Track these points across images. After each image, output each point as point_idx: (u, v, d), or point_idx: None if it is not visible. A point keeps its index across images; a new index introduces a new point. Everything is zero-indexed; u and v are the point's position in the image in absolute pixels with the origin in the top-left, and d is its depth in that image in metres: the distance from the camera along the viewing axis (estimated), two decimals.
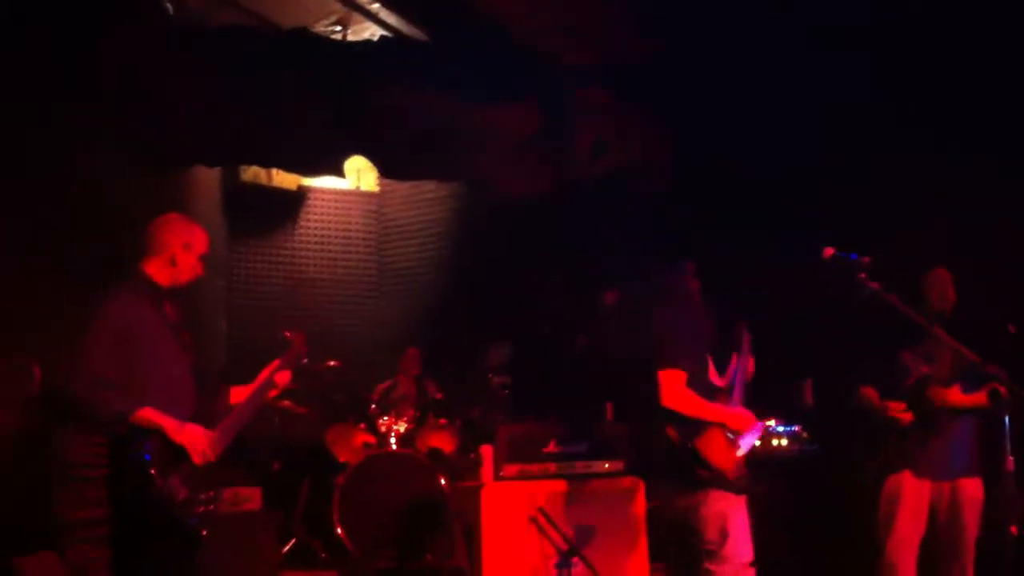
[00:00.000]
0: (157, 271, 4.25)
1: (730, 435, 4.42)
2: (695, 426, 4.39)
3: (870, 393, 5.02)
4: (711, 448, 4.37)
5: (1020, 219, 5.61)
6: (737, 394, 4.54)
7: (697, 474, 4.36)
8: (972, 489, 4.88)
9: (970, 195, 5.81)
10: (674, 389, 4.38)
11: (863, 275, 4.24)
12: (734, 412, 4.48)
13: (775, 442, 6.31)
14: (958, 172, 5.88)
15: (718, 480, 4.36)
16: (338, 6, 7.39)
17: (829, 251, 4.25)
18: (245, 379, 4.56)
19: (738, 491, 4.38)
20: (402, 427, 6.64)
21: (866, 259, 4.27)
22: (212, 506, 4.16)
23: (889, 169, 6.27)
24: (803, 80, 6.42)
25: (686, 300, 4.60)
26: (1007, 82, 5.77)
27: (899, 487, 4.85)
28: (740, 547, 4.35)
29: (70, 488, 5.05)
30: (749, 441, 4.50)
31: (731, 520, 4.34)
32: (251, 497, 4.96)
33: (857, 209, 6.05)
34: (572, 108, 7.09)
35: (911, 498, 4.84)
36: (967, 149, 5.88)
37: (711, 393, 4.46)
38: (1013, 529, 4.03)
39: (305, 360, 4.56)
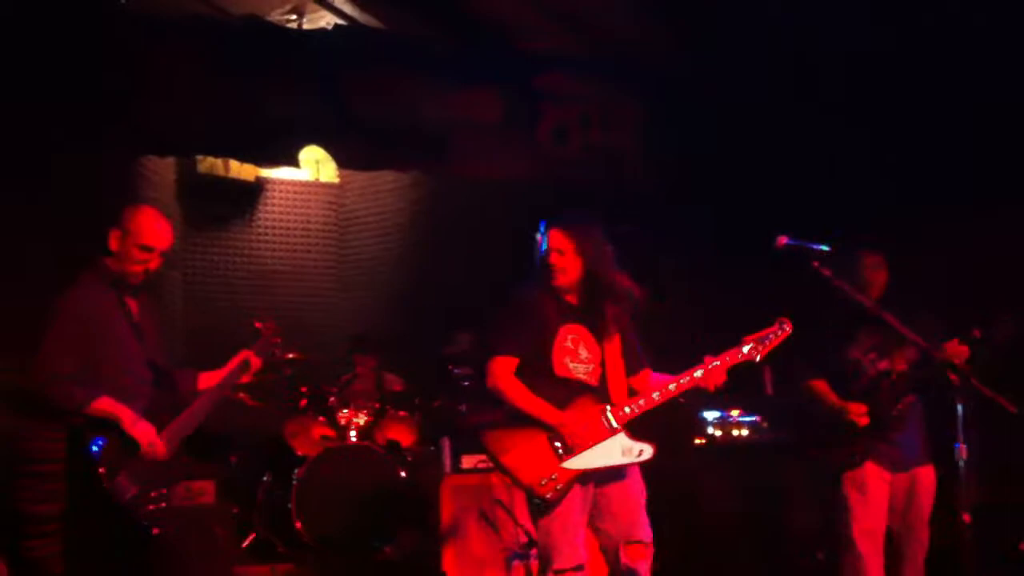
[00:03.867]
0: (118, 264, 4.25)
1: (557, 444, 4.05)
2: (509, 420, 4.12)
3: (822, 387, 5.00)
4: (502, 444, 4.09)
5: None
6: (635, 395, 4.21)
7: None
8: (927, 477, 4.93)
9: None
10: (500, 375, 4.11)
11: (816, 263, 4.26)
12: (565, 417, 4.05)
13: (735, 432, 6.34)
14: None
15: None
16: None
17: (783, 240, 4.25)
18: (204, 370, 4.54)
19: (529, 496, 4.07)
20: (361, 420, 6.61)
21: (821, 247, 4.28)
22: (164, 503, 4.13)
23: (852, 166, 6.32)
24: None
25: (520, 294, 4.25)
26: None
27: (863, 478, 4.87)
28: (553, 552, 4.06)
29: (29, 481, 5.04)
30: (600, 454, 4.07)
31: (547, 526, 4.06)
32: (204, 491, 4.89)
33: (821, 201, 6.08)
34: (537, 94, 7.04)
35: (874, 488, 4.86)
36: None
37: (553, 382, 4.13)
38: (966, 517, 4.05)
39: (278, 350, 4.53)
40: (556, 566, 4.03)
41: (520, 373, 4.13)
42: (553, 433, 4.04)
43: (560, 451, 4.03)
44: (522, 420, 4.07)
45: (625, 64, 7.09)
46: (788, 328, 4.28)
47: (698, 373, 4.16)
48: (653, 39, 6.84)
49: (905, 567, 4.94)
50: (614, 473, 4.14)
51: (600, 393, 4.16)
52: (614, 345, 4.23)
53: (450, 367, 6.74)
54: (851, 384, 4.94)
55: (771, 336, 4.25)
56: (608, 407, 4.11)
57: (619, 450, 4.08)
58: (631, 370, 4.27)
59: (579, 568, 4.05)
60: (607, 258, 4.18)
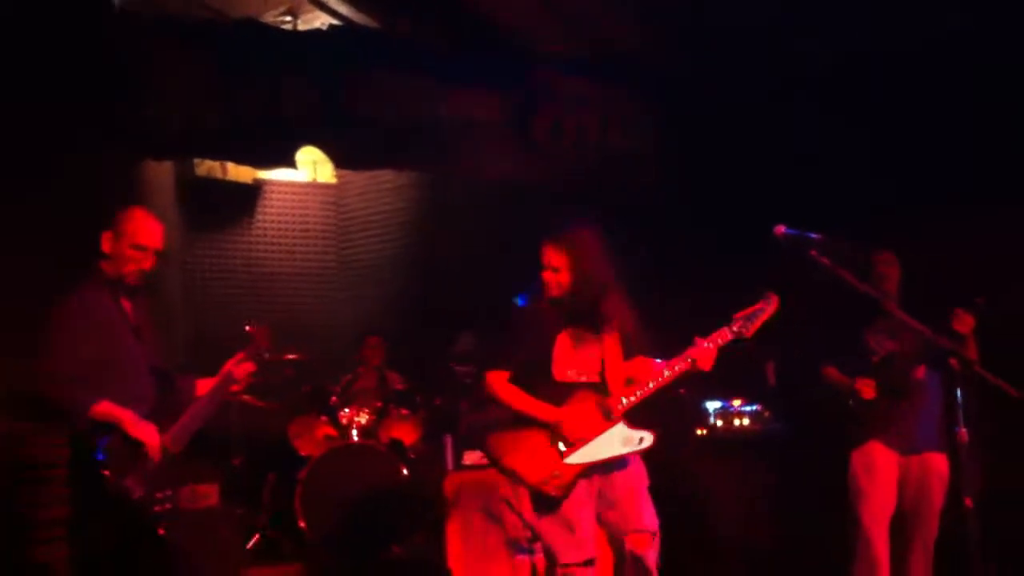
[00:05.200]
0: (115, 268, 4.26)
1: (558, 441, 4.11)
2: (509, 423, 4.22)
3: (832, 372, 5.07)
4: (504, 446, 4.19)
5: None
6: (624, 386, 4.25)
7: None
8: (938, 463, 4.94)
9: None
10: (494, 387, 4.24)
11: (814, 252, 4.27)
12: (562, 412, 4.13)
13: (737, 422, 6.34)
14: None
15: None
16: None
17: (780, 229, 4.26)
18: (205, 374, 4.54)
19: (535, 495, 4.14)
20: (364, 419, 6.61)
21: (817, 236, 4.29)
22: (169, 504, 4.14)
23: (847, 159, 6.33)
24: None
25: (537, 302, 4.35)
26: None
27: (870, 459, 4.90)
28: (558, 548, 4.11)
29: (31, 487, 5.04)
30: (601, 446, 4.12)
31: (553, 522, 4.11)
32: (209, 493, 4.93)
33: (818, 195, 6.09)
34: (539, 93, 7.04)
35: (882, 469, 4.88)
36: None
37: (554, 389, 4.19)
38: (968, 501, 4.07)
39: (267, 354, 4.54)
40: (563, 560, 4.06)
41: (520, 381, 4.21)
42: (552, 430, 4.09)
43: (561, 447, 4.08)
44: (522, 422, 4.14)
45: (624, 64, 7.08)
46: (774, 301, 4.30)
47: (690, 355, 4.18)
48: (653, 39, 6.83)
49: (913, 552, 4.96)
50: (616, 464, 4.16)
51: (600, 389, 4.20)
52: (612, 339, 4.28)
53: (452, 365, 6.75)
54: (861, 365, 4.97)
55: (759, 312, 4.27)
56: (605, 399, 4.15)
57: (619, 440, 4.12)
58: (626, 356, 4.30)
59: (588, 563, 4.07)
60: (602, 268, 4.24)
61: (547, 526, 4.11)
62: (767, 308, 4.28)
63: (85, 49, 5.78)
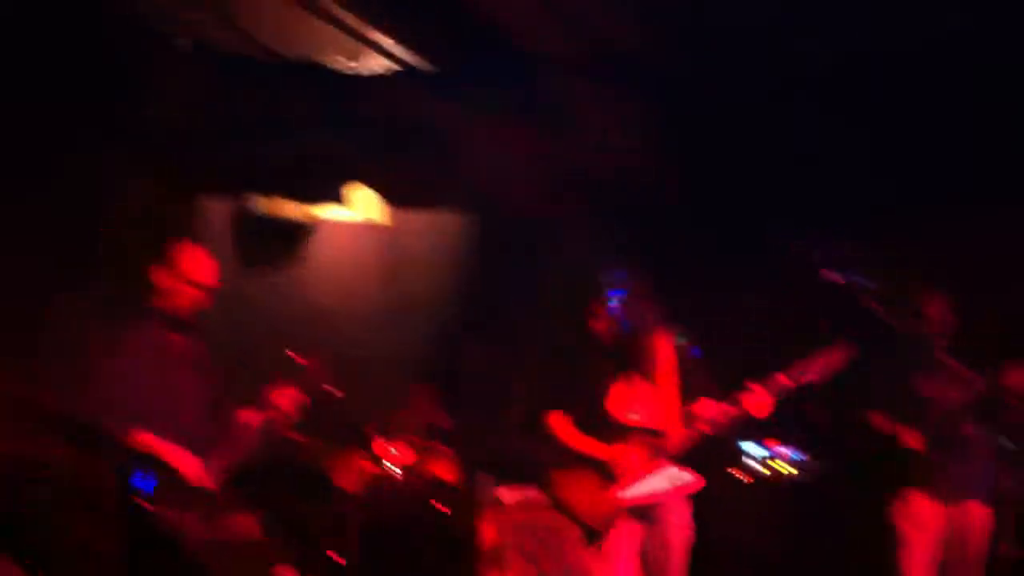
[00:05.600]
0: (168, 302, 4.33)
1: (608, 477, 4.36)
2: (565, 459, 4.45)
3: (877, 419, 5.01)
4: (561, 483, 4.43)
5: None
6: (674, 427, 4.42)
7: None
8: (980, 513, 4.86)
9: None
10: (557, 428, 4.51)
11: (866, 300, 4.28)
12: (616, 449, 4.40)
13: (784, 472, 6.28)
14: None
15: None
16: (349, 40, 7.45)
17: (836, 277, 4.30)
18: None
19: (587, 530, 4.36)
20: (406, 455, 6.64)
21: (873, 286, 4.31)
22: (212, 535, 4.18)
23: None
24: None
25: (592, 349, 4.62)
26: None
27: (916, 510, 4.84)
28: None
29: (82, 517, 5.10)
30: (650, 483, 4.36)
31: (598, 554, 4.36)
32: (249, 525, 4.96)
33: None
34: (569, 111, 7.08)
35: (928, 521, 4.82)
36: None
37: (609, 430, 4.42)
38: (1004, 546, 4.02)
39: (324, 385, 4.61)
40: None
41: (578, 423, 4.48)
42: (605, 467, 4.35)
43: (610, 482, 4.34)
44: (577, 459, 4.42)
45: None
46: (845, 350, 4.33)
47: (745, 403, 4.30)
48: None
49: None
50: (664, 516, 4.42)
51: (653, 432, 4.42)
52: (667, 383, 4.48)
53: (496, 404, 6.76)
54: (907, 413, 4.91)
55: (826, 360, 4.32)
56: (657, 439, 4.37)
57: (666, 479, 4.36)
58: (685, 398, 4.49)
59: None
60: (647, 314, 4.52)
61: (593, 557, 4.34)
62: (837, 357, 4.29)
63: (142, 81, 5.90)
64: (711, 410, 4.39)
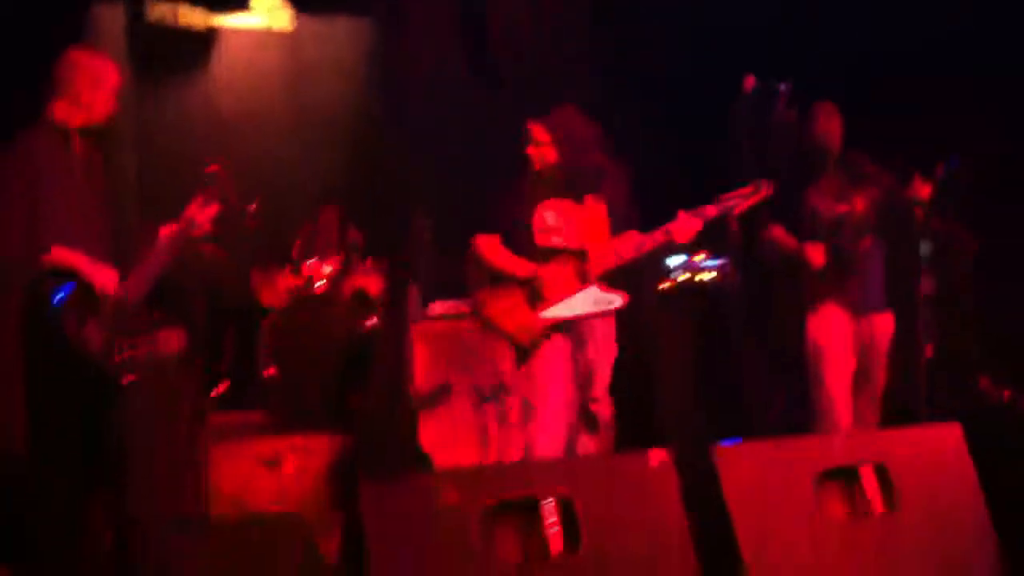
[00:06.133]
0: (66, 113, 4.09)
1: (534, 296, 4.44)
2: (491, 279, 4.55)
3: (779, 233, 5.03)
4: (485, 298, 4.53)
5: None
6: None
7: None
8: (886, 323, 5.03)
9: None
10: (482, 247, 4.58)
11: (782, 105, 4.29)
12: (540, 270, 4.45)
13: (701, 276, 6.37)
14: None
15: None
16: None
17: (751, 81, 4.30)
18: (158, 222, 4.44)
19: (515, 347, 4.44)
20: (328, 270, 6.58)
21: (784, 85, 4.32)
22: (131, 352, 4.09)
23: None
24: None
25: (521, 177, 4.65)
26: None
27: (828, 321, 4.95)
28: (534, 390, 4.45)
29: None
30: (575, 304, 4.42)
31: (527, 372, 4.48)
32: (171, 339, 4.88)
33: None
34: None
35: (840, 330, 4.95)
36: None
37: (535, 253, 4.49)
38: (928, 350, 4.17)
39: (232, 197, 4.47)
40: (534, 403, 4.45)
41: (504, 246, 4.57)
42: (530, 287, 4.44)
43: (536, 302, 4.42)
44: (503, 279, 4.51)
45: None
46: (767, 187, 4.49)
47: (669, 228, 4.43)
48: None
49: (862, 406, 5.06)
50: (589, 332, 4.50)
51: (580, 256, 4.49)
52: (598, 211, 4.56)
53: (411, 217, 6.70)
54: (809, 228, 4.95)
55: (749, 194, 4.48)
56: (583, 263, 4.46)
57: (592, 301, 4.43)
58: (614, 231, 4.56)
59: (559, 412, 4.42)
60: (588, 142, 4.55)
61: (523, 375, 4.46)
62: (759, 192, 4.47)
63: None
64: (636, 239, 4.48)
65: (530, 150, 4.59)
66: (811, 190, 5.02)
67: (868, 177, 4.75)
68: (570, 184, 4.56)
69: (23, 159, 4.01)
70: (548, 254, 4.49)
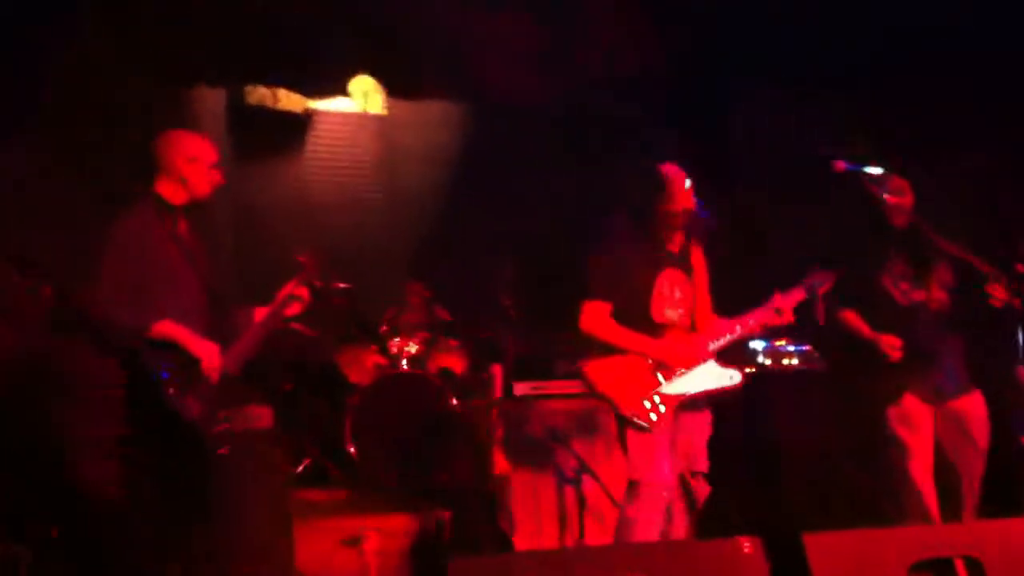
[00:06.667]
0: (168, 190, 4.22)
1: (657, 369, 4.34)
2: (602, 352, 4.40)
3: (852, 318, 4.89)
4: (600, 373, 4.38)
5: None
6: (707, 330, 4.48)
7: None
8: (974, 406, 4.85)
9: None
10: (592, 319, 4.40)
11: (873, 186, 4.25)
12: (662, 345, 4.35)
13: (786, 361, 6.30)
14: None
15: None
16: None
17: (841, 165, 4.27)
18: (253, 302, 4.56)
19: (622, 418, 4.35)
20: (414, 348, 6.65)
21: (876, 172, 4.27)
22: (227, 424, 4.17)
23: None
24: None
25: (619, 239, 4.53)
26: None
27: (908, 412, 4.80)
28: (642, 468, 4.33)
29: (83, 406, 5.08)
30: (696, 379, 4.36)
31: (639, 445, 4.33)
32: (262, 415, 4.97)
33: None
34: (579, 15, 6.98)
35: (921, 421, 4.80)
36: None
37: (650, 328, 4.40)
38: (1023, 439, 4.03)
39: (318, 281, 4.56)
40: (643, 480, 4.30)
41: (615, 317, 4.39)
42: (654, 362, 4.32)
43: (661, 376, 4.32)
44: (616, 351, 4.35)
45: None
46: (840, 270, 4.53)
47: (775, 305, 4.42)
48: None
49: (962, 496, 4.89)
50: (691, 409, 4.43)
51: (691, 328, 4.48)
52: (702, 284, 4.57)
53: (498, 297, 6.76)
54: (883, 314, 4.83)
55: (829, 276, 4.51)
56: (702, 337, 4.41)
57: (713, 376, 4.37)
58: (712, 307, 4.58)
59: (664, 485, 4.31)
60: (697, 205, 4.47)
61: (634, 447, 4.31)
62: (837, 272, 4.51)
63: None
64: (752, 315, 4.44)
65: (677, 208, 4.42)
66: (882, 272, 4.87)
67: (939, 252, 4.63)
68: (686, 251, 4.52)
69: (132, 233, 4.15)
70: (662, 329, 4.40)
